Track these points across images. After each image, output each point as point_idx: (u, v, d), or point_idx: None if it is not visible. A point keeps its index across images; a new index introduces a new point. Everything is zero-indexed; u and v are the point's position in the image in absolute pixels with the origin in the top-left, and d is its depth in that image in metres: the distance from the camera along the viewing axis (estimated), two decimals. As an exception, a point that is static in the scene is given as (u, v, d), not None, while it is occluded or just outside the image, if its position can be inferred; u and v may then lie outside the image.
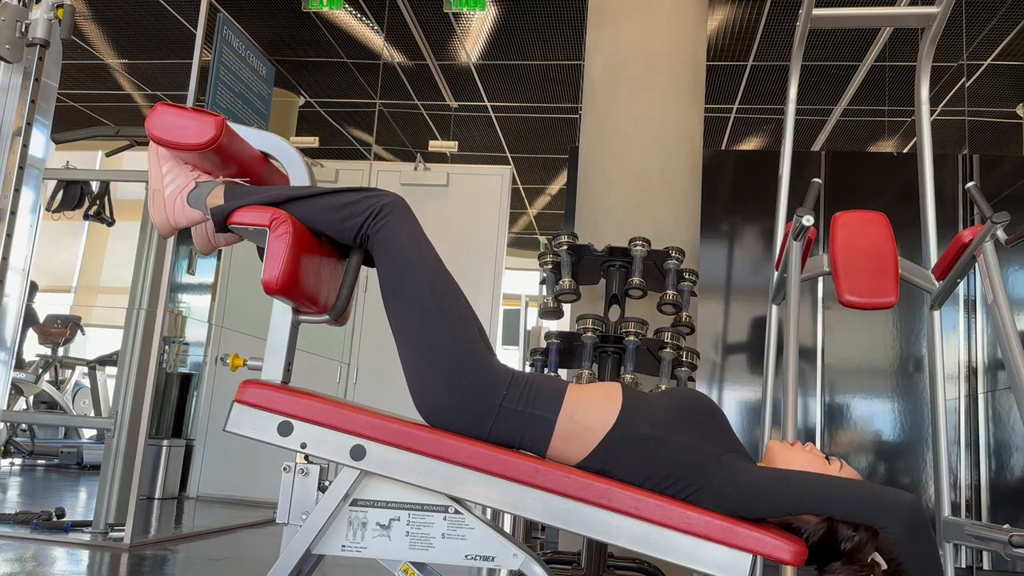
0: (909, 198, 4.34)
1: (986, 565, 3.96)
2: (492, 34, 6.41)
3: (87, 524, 3.51)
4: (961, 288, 4.28)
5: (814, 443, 1.54)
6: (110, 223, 4.35)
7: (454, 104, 7.83)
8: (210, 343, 5.87)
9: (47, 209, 4.11)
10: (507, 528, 3.54)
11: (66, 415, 6.96)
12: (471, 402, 1.41)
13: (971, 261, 2.17)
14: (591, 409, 1.43)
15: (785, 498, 1.32)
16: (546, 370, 2.61)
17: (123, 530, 3.29)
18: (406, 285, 1.47)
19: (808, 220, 2.09)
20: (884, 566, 1.28)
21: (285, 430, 1.39)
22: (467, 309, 1.50)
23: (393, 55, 6.87)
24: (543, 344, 2.72)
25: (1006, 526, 1.83)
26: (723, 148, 8.26)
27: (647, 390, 2.52)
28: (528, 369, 2.76)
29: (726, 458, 1.38)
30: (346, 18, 6.30)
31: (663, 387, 2.44)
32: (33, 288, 7.07)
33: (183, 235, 1.77)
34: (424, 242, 1.52)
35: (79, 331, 7.04)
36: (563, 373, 2.69)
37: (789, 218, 2.55)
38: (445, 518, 1.40)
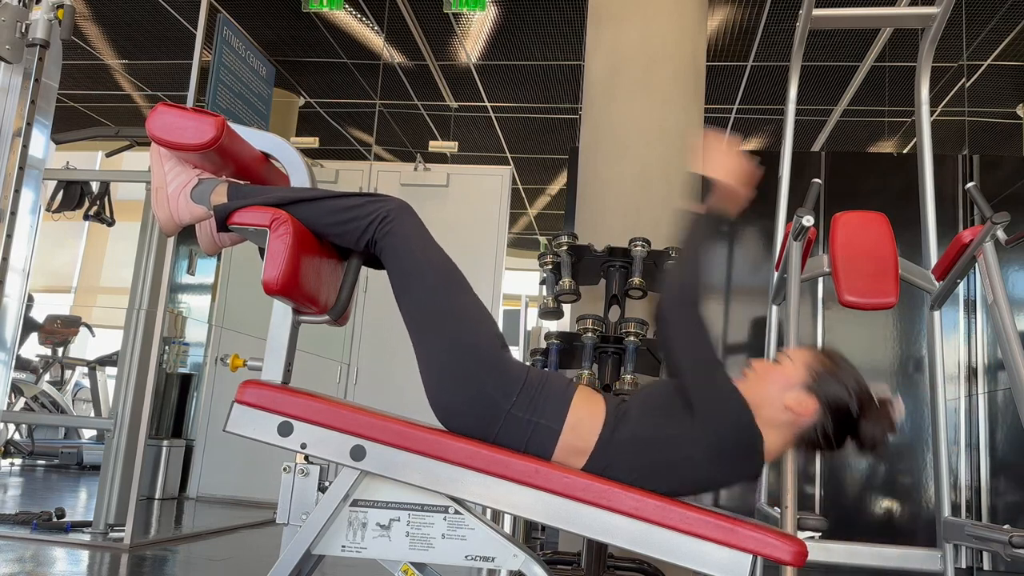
0: (909, 198, 4.34)
1: (986, 565, 3.96)
2: (492, 34, 6.41)
3: (87, 524, 3.51)
4: (961, 288, 4.28)
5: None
6: (110, 223, 4.35)
7: (454, 104, 7.83)
8: (210, 343, 5.87)
9: (47, 209, 4.11)
10: (507, 528, 3.53)
11: (66, 415, 6.96)
12: (481, 405, 1.41)
13: (971, 261, 2.17)
14: (585, 419, 1.43)
15: (711, 387, 1.41)
16: (546, 371, 2.61)
17: (123, 530, 3.29)
18: (417, 286, 1.48)
19: (808, 220, 2.09)
20: (889, 394, 1.44)
21: (285, 430, 1.39)
22: (480, 307, 1.49)
23: (393, 55, 6.87)
24: (543, 344, 2.72)
25: (1006, 526, 1.83)
26: (723, 148, 8.24)
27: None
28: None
29: (694, 424, 1.40)
30: (346, 18, 6.30)
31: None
32: (29, 300, 7.06)
33: (183, 235, 1.78)
34: (432, 244, 1.52)
35: (89, 331, 7.04)
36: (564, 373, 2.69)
37: (789, 218, 2.55)
38: (445, 518, 1.40)
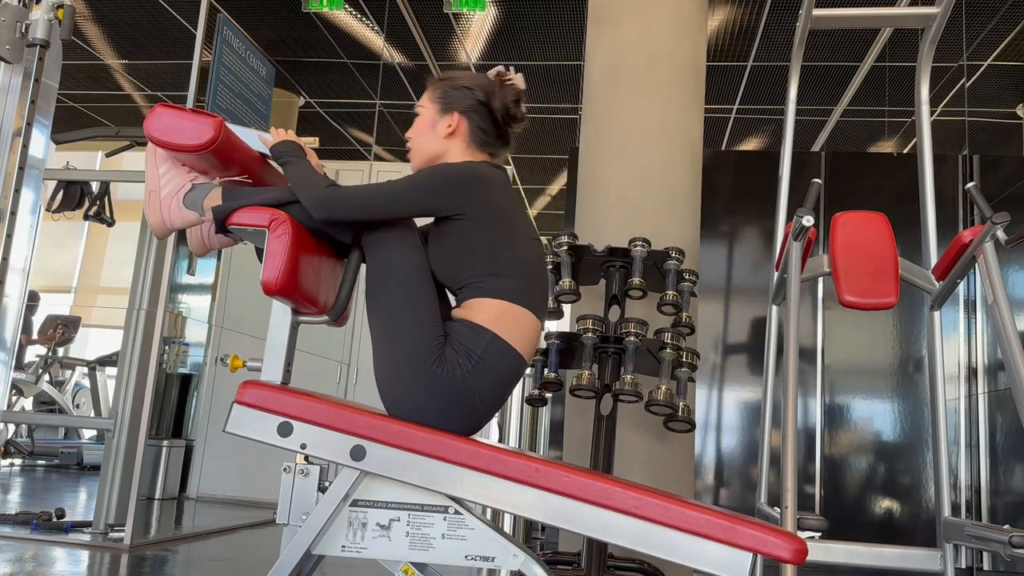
0: (909, 198, 4.34)
1: (986, 565, 3.96)
2: (492, 34, 6.41)
3: (87, 524, 3.51)
4: (961, 288, 4.28)
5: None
6: (110, 223, 4.35)
7: (454, 104, 7.82)
8: (210, 344, 5.87)
9: (47, 209, 4.10)
10: (507, 528, 3.53)
11: (66, 415, 6.95)
12: (446, 389, 1.42)
13: (971, 261, 2.17)
14: (482, 309, 1.50)
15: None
16: (546, 371, 2.61)
17: (123, 531, 3.29)
18: (384, 286, 1.48)
19: (808, 220, 2.09)
20: (503, 69, 1.72)
21: (285, 431, 1.39)
22: (434, 307, 1.50)
23: (393, 55, 6.87)
24: (543, 344, 2.72)
25: (1006, 526, 1.83)
26: (723, 148, 8.26)
27: (647, 391, 2.52)
28: (529, 371, 2.76)
29: (452, 218, 1.56)
30: (346, 18, 6.30)
31: (663, 388, 2.44)
32: (34, 297, 7.05)
33: (183, 235, 1.78)
34: (413, 244, 1.52)
35: (72, 333, 7.02)
36: (563, 373, 2.69)
37: (789, 218, 2.55)
38: (445, 518, 1.40)
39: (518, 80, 1.71)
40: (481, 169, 1.56)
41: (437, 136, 1.67)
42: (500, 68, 1.71)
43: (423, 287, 1.49)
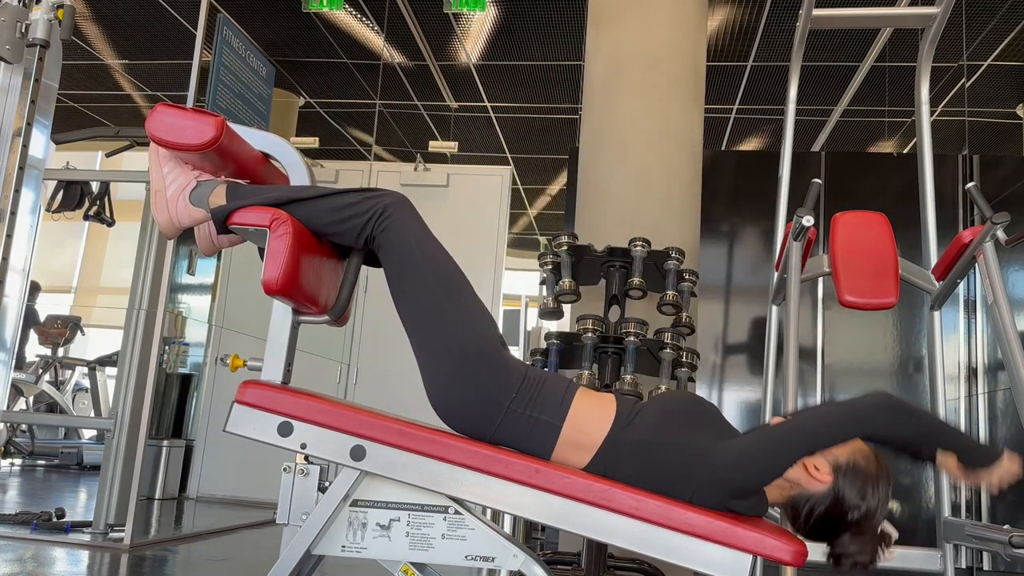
0: (909, 198, 4.34)
1: (986, 565, 3.96)
2: (492, 34, 6.41)
3: (87, 524, 3.51)
4: (961, 288, 4.27)
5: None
6: (110, 223, 4.35)
7: (454, 104, 7.83)
8: (210, 344, 5.87)
9: (47, 209, 4.10)
10: (507, 528, 3.53)
11: (66, 415, 6.96)
12: (482, 403, 1.41)
13: (971, 261, 2.17)
14: (592, 417, 1.44)
15: (775, 453, 1.34)
16: (546, 370, 2.60)
17: (123, 531, 3.29)
18: (415, 283, 1.47)
19: (808, 220, 2.09)
20: (895, 535, 1.36)
21: (285, 431, 1.39)
22: (480, 305, 1.49)
23: (393, 55, 6.87)
24: (543, 344, 2.72)
25: (1006, 526, 1.83)
26: (723, 149, 8.26)
27: (647, 391, 2.52)
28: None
29: (712, 447, 1.37)
30: (346, 18, 6.30)
31: (663, 388, 2.44)
32: (35, 289, 7.07)
33: (183, 235, 1.77)
34: (430, 239, 1.51)
35: (79, 331, 7.04)
36: (565, 373, 2.69)
37: (789, 218, 2.55)
38: (445, 519, 1.39)
39: (888, 554, 1.38)
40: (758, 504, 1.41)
41: (805, 471, 1.37)
42: (893, 532, 1.41)
43: (463, 282, 1.49)
